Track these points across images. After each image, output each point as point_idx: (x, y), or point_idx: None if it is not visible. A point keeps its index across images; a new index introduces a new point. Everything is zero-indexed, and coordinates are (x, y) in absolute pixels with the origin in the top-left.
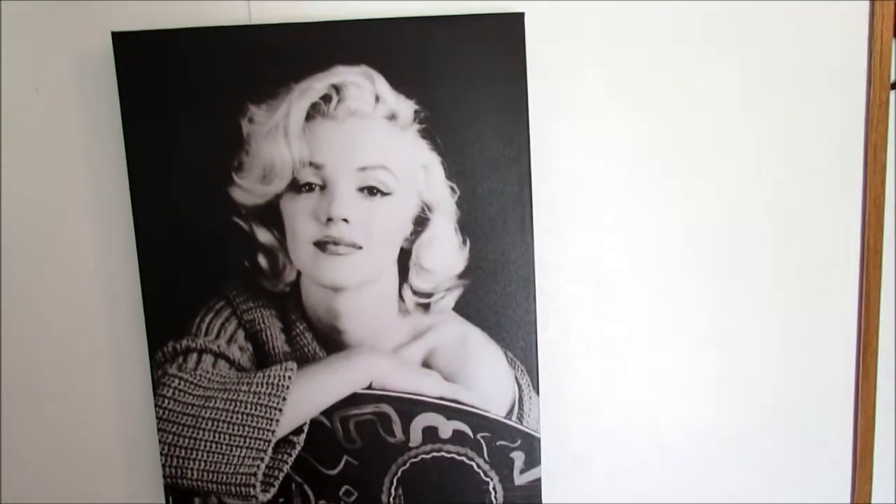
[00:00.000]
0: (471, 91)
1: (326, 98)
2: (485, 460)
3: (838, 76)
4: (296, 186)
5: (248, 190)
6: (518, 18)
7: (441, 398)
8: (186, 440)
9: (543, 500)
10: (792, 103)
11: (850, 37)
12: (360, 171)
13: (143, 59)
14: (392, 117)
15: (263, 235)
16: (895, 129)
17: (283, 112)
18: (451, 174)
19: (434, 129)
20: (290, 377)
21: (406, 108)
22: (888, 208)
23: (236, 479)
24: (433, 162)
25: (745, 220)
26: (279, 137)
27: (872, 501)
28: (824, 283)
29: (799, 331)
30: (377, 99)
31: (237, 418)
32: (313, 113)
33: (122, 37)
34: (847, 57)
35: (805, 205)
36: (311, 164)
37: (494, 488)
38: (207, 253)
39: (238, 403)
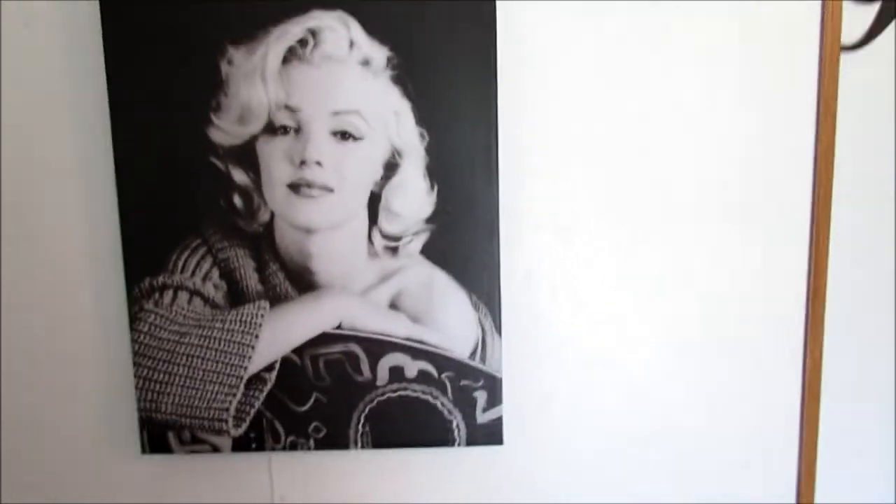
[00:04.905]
0: (443, 39)
1: (303, 42)
2: (448, 399)
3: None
4: (271, 129)
5: (225, 131)
6: None
7: (407, 339)
8: (161, 374)
9: (504, 438)
10: (750, 61)
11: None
12: (333, 116)
13: None
14: (366, 63)
15: (239, 176)
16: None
17: (260, 55)
18: (421, 121)
19: (406, 75)
20: (262, 315)
21: (379, 54)
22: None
23: (209, 413)
24: (404, 108)
25: (704, 174)
26: (257, 80)
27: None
28: (778, 223)
29: (753, 271)
30: (351, 44)
31: (211, 354)
32: (290, 57)
33: None
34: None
35: (761, 156)
36: (286, 107)
37: (458, 426)
38: (185, 192)
39: (212, 340)
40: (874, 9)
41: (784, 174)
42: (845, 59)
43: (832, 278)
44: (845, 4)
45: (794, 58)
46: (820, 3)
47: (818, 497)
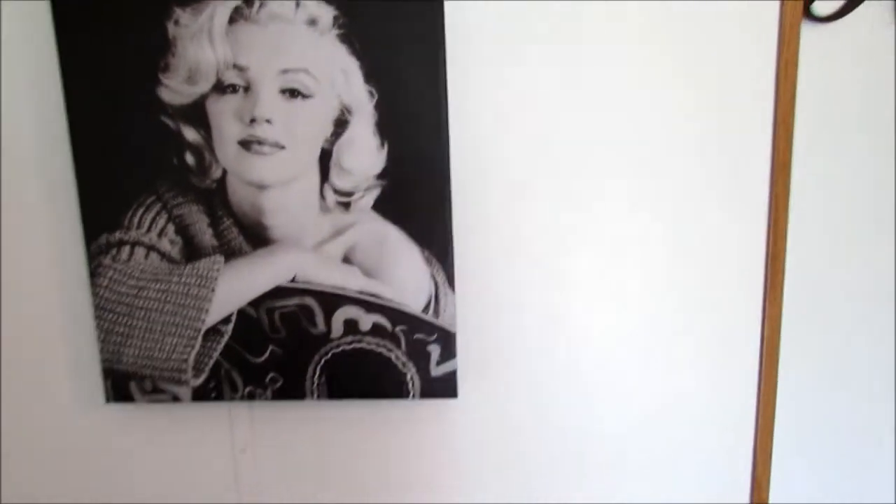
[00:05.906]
0: None
1: (248, 2)
2: (403, 352)
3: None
4: (220, 87)
5: (174, 90)
6: None
7: (361, 292)
8: (122, 327)
9: (459, 392)
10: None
11: None
12: (282, 74)
13: None
14: (312, 22)
15: (190, 134)
16: None
17: (207, 15)
18: (369, 78)
19: (353, 34)
20: (218, 269)
21: (325, 13)
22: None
23: (169, 364)
24: (352, 66)
25: (663, 136)
26: (204, 40)
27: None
28: (735, 192)
29: (707, 236)
30: (298, 4)
31: (169, 307)
32: (236, 17)
33: None
34: None
35: (718, 121)
36: (234, 66)
37: (412, 379)
38: (138, 151)
39: (169, 294)
40: None
41: (743, 143)
42: (819, 31)
43: (791, 248)
44: None
45: (754, 21)
46: None
47: (772, 497)
